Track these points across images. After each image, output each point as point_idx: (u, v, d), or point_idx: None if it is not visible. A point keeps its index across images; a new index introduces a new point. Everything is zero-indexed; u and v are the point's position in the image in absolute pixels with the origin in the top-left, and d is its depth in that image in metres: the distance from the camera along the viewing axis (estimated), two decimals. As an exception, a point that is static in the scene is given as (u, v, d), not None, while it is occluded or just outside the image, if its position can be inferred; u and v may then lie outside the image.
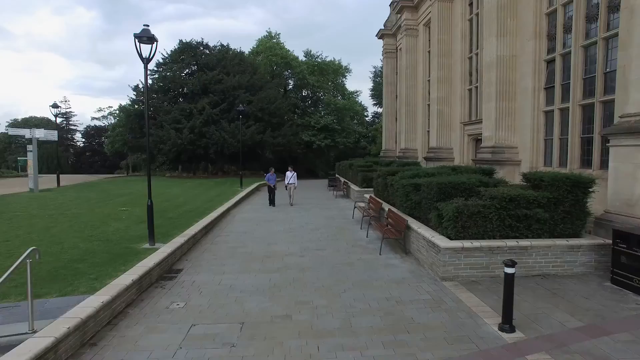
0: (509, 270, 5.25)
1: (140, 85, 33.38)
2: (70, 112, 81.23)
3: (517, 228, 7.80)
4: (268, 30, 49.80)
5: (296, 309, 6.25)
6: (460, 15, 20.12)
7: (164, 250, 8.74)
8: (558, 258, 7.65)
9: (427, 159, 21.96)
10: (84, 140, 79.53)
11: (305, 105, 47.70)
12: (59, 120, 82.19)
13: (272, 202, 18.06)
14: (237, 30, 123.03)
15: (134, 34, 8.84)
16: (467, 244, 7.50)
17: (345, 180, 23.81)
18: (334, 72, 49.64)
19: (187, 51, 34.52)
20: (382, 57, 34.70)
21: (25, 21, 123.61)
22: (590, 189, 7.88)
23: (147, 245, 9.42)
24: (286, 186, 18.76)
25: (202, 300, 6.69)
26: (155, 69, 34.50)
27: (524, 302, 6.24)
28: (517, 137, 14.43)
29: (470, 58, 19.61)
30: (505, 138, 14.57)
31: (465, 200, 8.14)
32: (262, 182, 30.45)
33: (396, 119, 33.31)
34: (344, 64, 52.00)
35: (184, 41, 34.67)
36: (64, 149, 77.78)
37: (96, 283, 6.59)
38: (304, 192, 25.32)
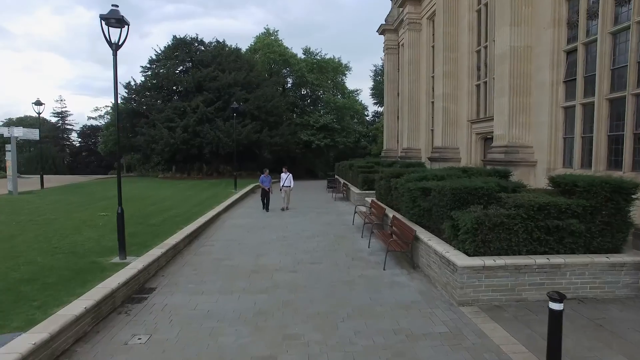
0: (556, 307, 4.04)
1: (132, 83, 32.23)
2: (66, 111, 79.93)
3: (547, 242, 6.60)
4: (266, 27, 48.67)
5: (283, 346, 5.07)
6: (467, 7, 18.90)
7: (134, 266, 7.54)
8: (597, 278, 6.44)
9: (431, 159, 20.74)
10: (80, 140, 78.36)
11: (304, 104, 46.48)
12: (54, 120, 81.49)
13: (266, 206, 16.83)
14: (237, 30, 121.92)
15: (100, 15, 7.64)
16: (488, 261, 6.30)
17: (345, 182, 22.60)
18: (333, 70, 48.42)
19: (181, 47, 33.21)
20: (383, 54, 33.50)
21: (25, 21, 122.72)
22: (634, 196, 6.67)
23: (117, 260, 8.22)
24: (281, 189, 17.48)
25: (171, 332, 5.50)
26: (148, 65, 33.27)
27: (566, 337, 5.02)
28: (533, 136, 13.23)
29: (478, 52, 18.39)
30: (520, 136, 13.36)
31: (484, 208, 6.95)
32: (258, 184, 28.97)
33: (398, 117, 32.09)
34: (343, 62, 50.75)
35: (177, 37, 33.44)
36: (60, 149, 76.60)
37: (38, 313, 5.39)
38: (301, 194, 24.14)
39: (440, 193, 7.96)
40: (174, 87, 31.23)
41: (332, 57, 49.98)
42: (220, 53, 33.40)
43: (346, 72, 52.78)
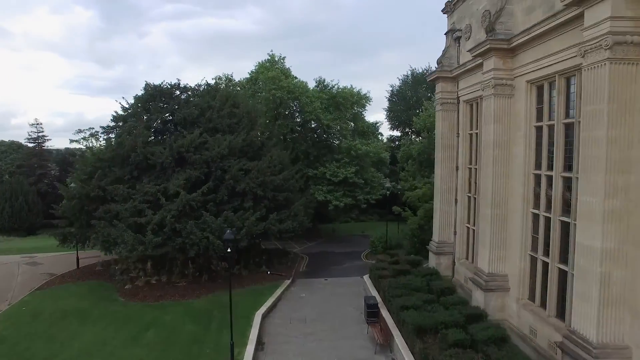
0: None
1: (88, 154, 23.17)
2: (43, 136, 71.09)
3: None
4: (270, 53, 39.58)
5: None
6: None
7: None
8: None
9: (565, 352, 11.83)
10: (59, 168, 69.45)
11: (318, 150, 37.21)
12: (30, 145, 72.62)
13: None
14: (236, 29, 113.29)
15: None
16: None
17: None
18: (351, 105, 39.61)
19: (157, 99, 24.19)
20: (435, 107, 24.47)
21: (23, 20, 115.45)
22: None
23: None
24: None
25: None
26: (112, 123, 24.18)
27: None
28: None
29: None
30: None
31: None
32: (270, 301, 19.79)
33: (456, 200, 23.24)
34: (362, 90, 41.96)
35: (152, 85, 24.15)
36: (37, 179, 67.91)
37: None
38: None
39: None
40: (147, 159, 22.16)
41: (349, 87, 41.15)
42: (210, 105, 24.39)
43: (366, 104, 44.09)
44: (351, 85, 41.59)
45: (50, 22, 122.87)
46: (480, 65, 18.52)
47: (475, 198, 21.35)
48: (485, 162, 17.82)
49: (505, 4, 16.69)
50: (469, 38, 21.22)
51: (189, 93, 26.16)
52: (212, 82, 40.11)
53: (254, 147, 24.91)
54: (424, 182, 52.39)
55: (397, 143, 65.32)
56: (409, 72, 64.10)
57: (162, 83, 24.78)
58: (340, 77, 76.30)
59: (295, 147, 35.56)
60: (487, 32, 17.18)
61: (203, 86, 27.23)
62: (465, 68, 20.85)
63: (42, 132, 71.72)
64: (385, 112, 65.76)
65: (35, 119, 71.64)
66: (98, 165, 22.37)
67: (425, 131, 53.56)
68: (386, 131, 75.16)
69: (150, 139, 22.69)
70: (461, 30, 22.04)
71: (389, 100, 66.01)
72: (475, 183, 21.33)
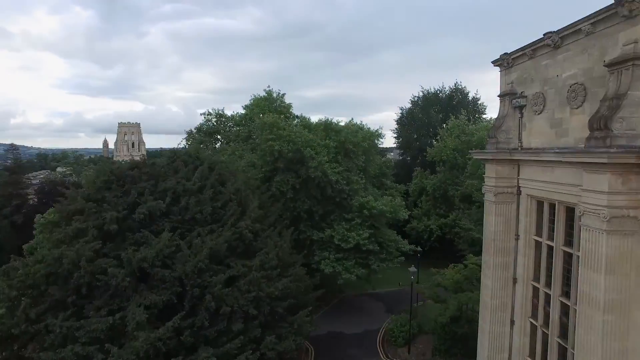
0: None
1: (17, 263, 17.12)
2: (21, 162, 65.23)
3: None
4: (267, 90, 33.75)
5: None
6: None
7: None
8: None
9: None
10: (35, 198, 63.58)
11: (324, 207, 31.19)
12: (6, 173, 66.68)
13: None
14: (235, 30, 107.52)
15: None
16: None
17: None
18: (363, 151, 33.67)
19: (115, 185, 17.89)
20: (483, 194, 18.40)
21: (22, 20, 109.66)
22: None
23: None
24: None
25: None
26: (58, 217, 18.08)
27: None
28: None
29: None
30: None
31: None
32: None
33: (512, 321, 17.40)
34: (368, 122, 36.28)
35: (108, 169, 17.49)
36: (12, 211, 61.94)
37: None
38: None
39: None
40: (97, 278, 16.09)
41: (358, 124, 35.45)
42: (186, 188, 18.47)
43: (377, 141, 38.50)
44: (361, 122, 35.82)
45: (49, 22, 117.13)
46: (565, 162, 12.73)
47: (544, 332, 15.55)
48: (587, 325, 11.87)
49: (629, 88, 10.80)
50: (540, 112, 15.29)
51: (162, 169, 20.08)
52: (202, 118, 34.04)
53: (244, 241, 19.01)
54: (439, 222, 46.64)
55: (401, 158, 61.46)
56: (420, 94, 58.73)
57: (122, 161, 18.76)
58: (340, 77, 70.13)
59: (297, 205, 29.76)
60: (595, 128, 11.27)
61: (183, 153, 21.27)
62: (538, 158, 14.93)
63: (20, 157, 66.00)
64: (395, 138, 60.55)
65: (12, 143, 65.39)
66: (29, 285, 16.37)
67: (441, 164, 47.95)
68: (391, 141, 69.83)
69: (100, 248, 16.55)
70: (526, 97, 16.12)
71: (398, 122, 60.67)
72: (547, 311, 15.53)
